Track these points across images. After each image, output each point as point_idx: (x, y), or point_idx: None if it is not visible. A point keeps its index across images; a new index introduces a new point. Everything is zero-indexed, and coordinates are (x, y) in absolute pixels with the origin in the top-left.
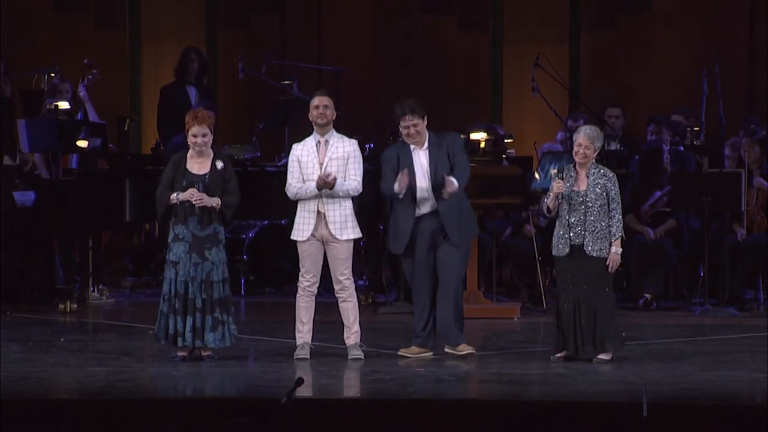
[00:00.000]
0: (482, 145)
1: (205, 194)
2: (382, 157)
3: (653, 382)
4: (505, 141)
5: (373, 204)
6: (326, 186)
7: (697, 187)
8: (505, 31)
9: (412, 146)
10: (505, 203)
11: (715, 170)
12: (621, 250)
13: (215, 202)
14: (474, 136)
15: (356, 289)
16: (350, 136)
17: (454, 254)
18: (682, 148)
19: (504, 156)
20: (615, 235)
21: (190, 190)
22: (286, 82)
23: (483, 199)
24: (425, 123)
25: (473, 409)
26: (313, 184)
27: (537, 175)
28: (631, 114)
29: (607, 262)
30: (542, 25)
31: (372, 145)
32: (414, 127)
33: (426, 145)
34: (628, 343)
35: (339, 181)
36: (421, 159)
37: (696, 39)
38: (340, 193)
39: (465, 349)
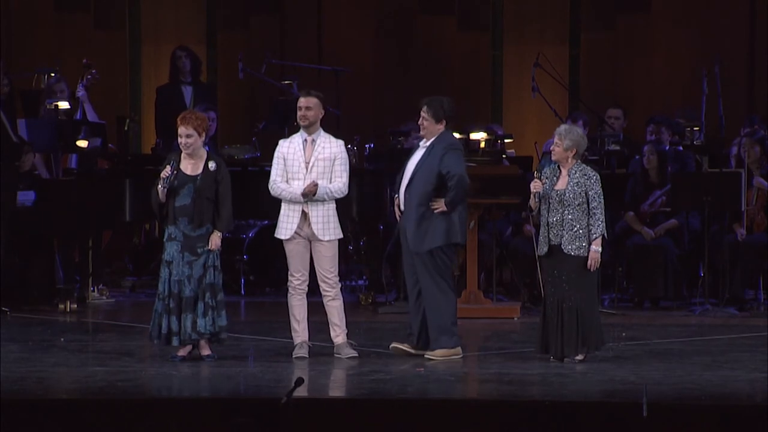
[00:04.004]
0: (482, 145)
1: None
2: None
3: (653, 382)
4: (505, 141)
5: (374, 204)
6: (310, 193)
7: (697, 187)
8: (505, 31)
9: (422, 140)
10: (505, 203)
11: (715, 170)
12: (601, 249)
13: (216, 240)
14: (474, 136)
15: (356, 289)
16: (343, 136)
17: (419, 261)
18: (681, 148)
19: (504, 156)
20: (595, 233)
21: (165, 169)
22: (286, 82)
23: (483, 199)
24: (434, 124)
25: (473, 409)
26: (297, 191)
27: (535, 174)
28: (631, 114)
29: (588, 261)
30: (542, 25)
31: (372, 145)
32: (423, 120)
33: (428, 144)
34: (627, 343)
35: (322, 184)
36: (414, 157)
37: (696, 39)
38: (325, 197)
39: (437, 355)
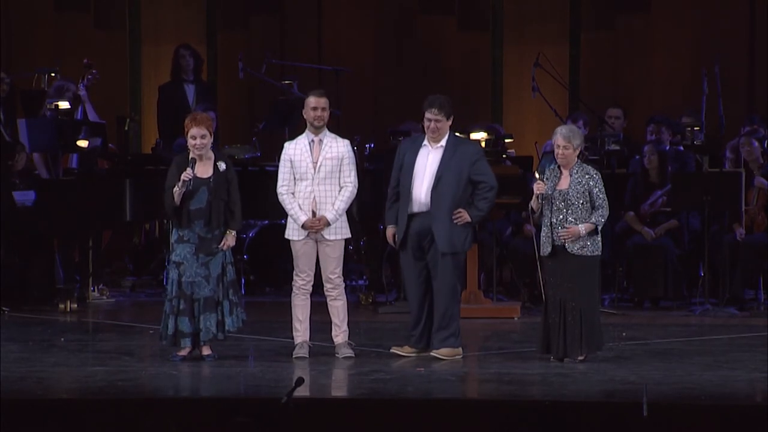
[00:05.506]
0: (482, 145)
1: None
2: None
3: (653, 382)
4: (505, 141)
5: (373, 204)
6: (316, 230)
7: (697, 187)
8: (505, 31)
9: (425, 141)
10: (505, 203)
11: (715, 170)
12: (585, 232)
13: (231, 240)
14: (474, 136)
15: (356, 289)
16: (343, 136)
17: (443, 263)
18: (682, 148)
19: (504, 156)
20: (592, 219)
21: (186, 171)
22: (286, 82)
23: None
24: (446, 122)
25: (473, 409)
26: (300, 218)
27: (537, 175)
28: (631, 114)
29: (568, 229)
30: (542, 25)
31: (372, 145)
32: (436, 122)
33: (442, 145)
34: (627, 343)
35: (330, 216)
36: (429, 158)
37: (696, 39)
38: (338, 217)
39: (444, 354)
